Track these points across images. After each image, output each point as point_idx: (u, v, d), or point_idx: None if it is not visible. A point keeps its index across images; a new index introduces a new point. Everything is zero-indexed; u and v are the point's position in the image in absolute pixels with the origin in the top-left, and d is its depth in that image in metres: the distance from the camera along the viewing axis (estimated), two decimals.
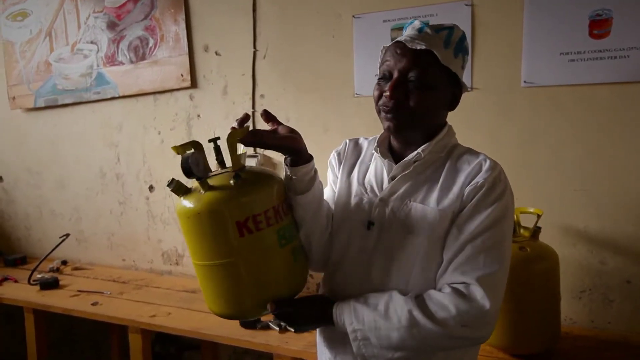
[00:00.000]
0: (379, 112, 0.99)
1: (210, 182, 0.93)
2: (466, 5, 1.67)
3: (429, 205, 0.95)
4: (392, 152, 1.05)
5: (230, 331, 1.65)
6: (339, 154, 1.14)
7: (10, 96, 2.67)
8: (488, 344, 1.42)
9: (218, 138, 0.97)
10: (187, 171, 0.90)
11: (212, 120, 2.19)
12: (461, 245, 0.91)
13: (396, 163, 1.01)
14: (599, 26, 1.52)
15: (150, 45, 2.26)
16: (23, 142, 2.73)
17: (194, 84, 2.20)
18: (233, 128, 0.94)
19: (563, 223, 1.60)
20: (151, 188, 2.40)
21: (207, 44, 2.16)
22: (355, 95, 1.89)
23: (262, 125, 2.23)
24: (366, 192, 1.03)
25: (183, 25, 2.17)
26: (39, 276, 2.26)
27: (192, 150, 0.93)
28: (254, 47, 2.06)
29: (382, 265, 0.97)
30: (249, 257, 0.92)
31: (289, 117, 2.01)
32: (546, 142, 1.61)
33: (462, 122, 1.71)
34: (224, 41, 2.12)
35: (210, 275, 0.96)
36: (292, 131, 0.96)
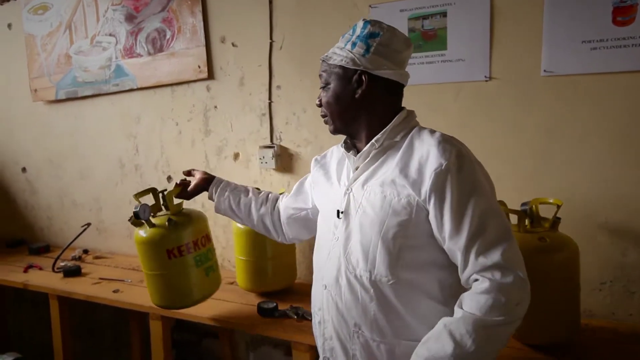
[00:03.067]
0: None
1: (155, 221, 1.53)
2: None
3: (385, 185, 1.03)
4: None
5: (249, 319, 1.68)
6: (321, 158, 1.32)
7: (32, 89, 2.73)
8: None
9: (164, 190, 1.57)
10: (137, 216, 1.49)
11: (229, 111, 2.21)
12: (469, 237, 0.95)
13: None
14: (622, 13, 1.48)
15: (167, 37, 2.28)
16: (45, 134, 2.79)
17: (210, 75, 2.22)
18: (176, 184, 1.52)
19: (584, 214, 1.57)
20: (169, 178, 2.43)
21: (224, 36, 2.17)
22: None
23: (278, 116, 2.22)
24: (339, 186, 1.17)
25: (200, 16, 2.18)
26: (62, 264, 2.33)
27: (141, 202, 1.52)
28: (271, 38, 2.06)
29: (352, 247, 1.06)
30: (174, 272, 1.54)
31: (305, 108, 2.01)
32: (567, 132, 1.59)
33: (481, 112, 1.70)
34: (240, 32, 2.13)
35: (152, 281, 1.59)
36: (203, 179, 1.49)
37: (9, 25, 2.80)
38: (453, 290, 1.02)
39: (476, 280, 0.95)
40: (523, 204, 1.44)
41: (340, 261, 1.08)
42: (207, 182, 1.47)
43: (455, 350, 0.89)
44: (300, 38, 2.01)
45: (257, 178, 2.18)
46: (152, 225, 1.51)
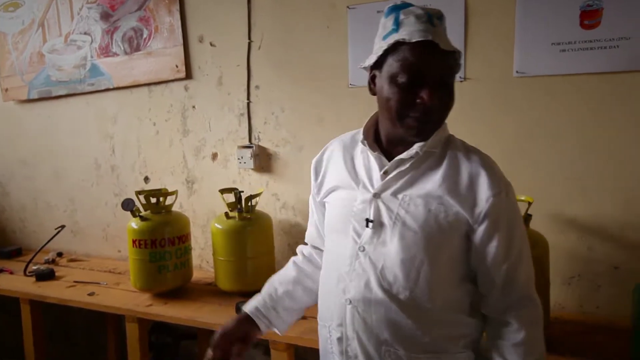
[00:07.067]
0: (400, 117, 0.94)
1: (141, 214, 1.91)
2: None
3: (429, 198, 0.95)
4: (377, 143, 1.03)
5: (226, 319, 1.66)
6: (317, 162, 1.14)
7: (3, 88, 2.66)
8: None
9: (159, 190, 1.98)
10: (122, 207, 1.88)
11: (207, 111, 2.20)
12: (510, 265, 0.96)
13: (385, 154, 1.00)
14: (589, 17, 1.54)
15: (144, 36, 2.26)
16: (17, 134, 2.72)
17: (188, 75, 2.21)
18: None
19: (553, 211, 1.63)
20: (146, 179, 2.40)
21: (202, 35, 2.16)
22: (350, 85, 1.90)
23: (257, 116, 2.21)
24: (358, 189, 1.01)
25: (177, 15, 2.16)
26: (35, 268, 2.27)
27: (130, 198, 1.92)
28: (249, 38, 2.06)
29: (388, 262, 0.95)
30: (136, 258, 1.89)
31: (283, 108, 2.02)
32: (539, 131, 1.64)
33: (457, 112, 1.73)
34: (218, 32, 2.12)
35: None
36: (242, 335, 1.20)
37: None
38: (477, 301, 1.02)
39: (509, 324, 0.96)
40: None
41: (369, 275, 0.97)
42: (247, 326, 1.19)
43: None
44: (279, 38, 2.01)
45: (236, 178, 2.17)
46: (134, 216, 1.90)
